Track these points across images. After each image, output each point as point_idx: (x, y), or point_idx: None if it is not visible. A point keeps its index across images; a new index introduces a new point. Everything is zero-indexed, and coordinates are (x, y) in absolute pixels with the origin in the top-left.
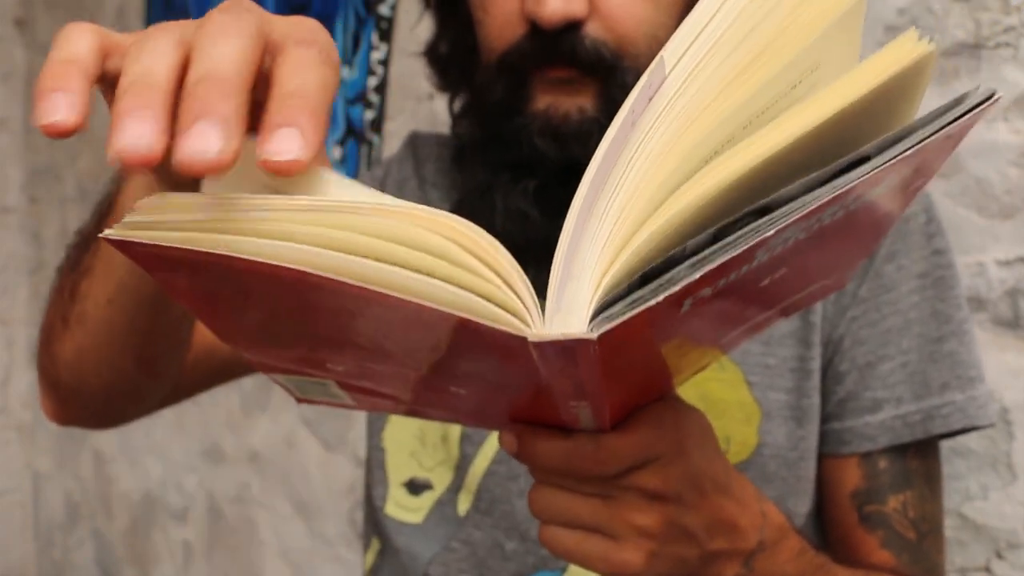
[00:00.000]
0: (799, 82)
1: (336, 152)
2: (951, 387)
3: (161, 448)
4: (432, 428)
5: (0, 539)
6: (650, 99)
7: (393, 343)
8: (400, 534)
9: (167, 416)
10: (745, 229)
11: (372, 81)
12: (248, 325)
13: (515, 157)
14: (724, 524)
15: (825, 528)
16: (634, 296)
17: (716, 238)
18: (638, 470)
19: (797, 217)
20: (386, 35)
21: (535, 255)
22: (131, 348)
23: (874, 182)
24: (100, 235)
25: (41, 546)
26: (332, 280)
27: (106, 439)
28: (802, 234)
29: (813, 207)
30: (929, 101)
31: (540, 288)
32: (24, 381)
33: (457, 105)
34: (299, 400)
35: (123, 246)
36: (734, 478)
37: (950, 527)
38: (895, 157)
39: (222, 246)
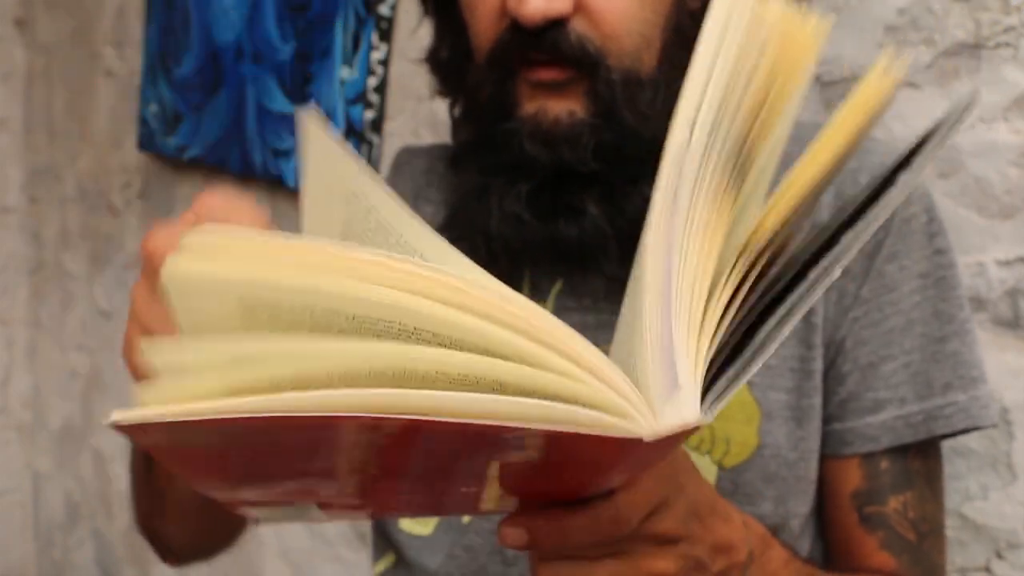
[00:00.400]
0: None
1: None
2: (954, 387)
3: None
4: None
5: (0, 539)
6: (680, 168)
7: (449, 463)
8: (411, 548)
9: None
10: (815, 272)
11: (372, 81)
12: (236, 471)
13: (507, 160)
14: (722, 545)
15: (825, 528)
16: (735, 369)
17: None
18: (649, 518)
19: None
20: (386, 35)
21: (531, 257)
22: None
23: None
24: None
25: (41, 546)
26: (436, 422)
27: (106, 439)
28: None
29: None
30: (929, 101)
31: (538, 288)
32: (24, 381)
33: (456, 111)
34: (256, 522)
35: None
36: (717, 497)
37: (950, 527)
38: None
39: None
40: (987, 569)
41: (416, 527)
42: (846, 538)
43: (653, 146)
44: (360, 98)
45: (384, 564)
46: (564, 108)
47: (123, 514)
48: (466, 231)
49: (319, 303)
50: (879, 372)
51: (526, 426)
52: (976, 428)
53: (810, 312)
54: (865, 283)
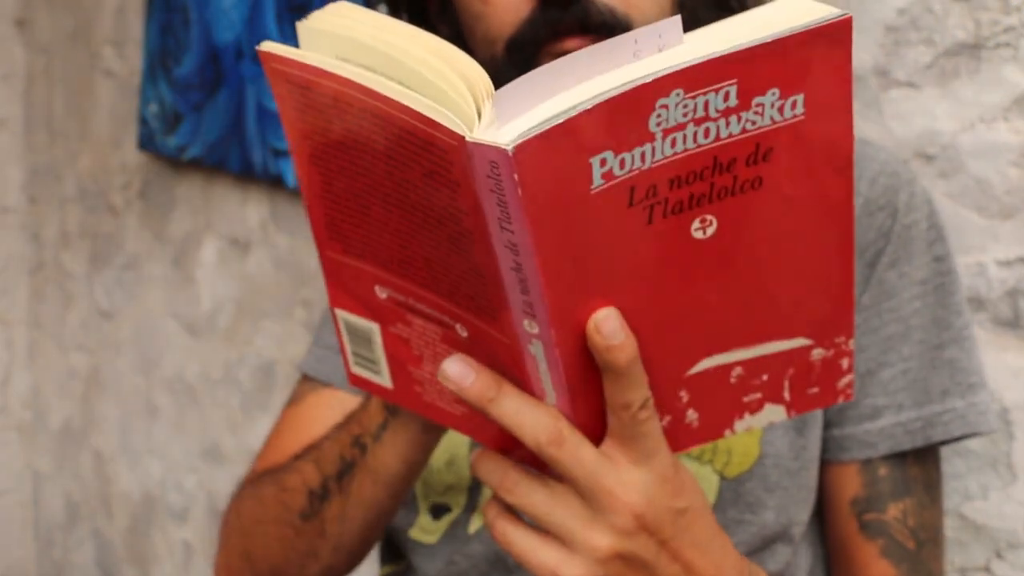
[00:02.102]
0: None
1: None
2: (952, 394)
3: (161, 448)
4: (436, 453)
5: (0, 539)
6: (660, 49)
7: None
8: (416, 554)
9: (167, 416)
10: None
11: None
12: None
13: None
14: None
15: (825, 535)
16: (556, 120)
17: None
18: (627, 484)
19: (681, 70)
20: None
21: None
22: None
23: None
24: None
25: (41, 546)
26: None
27: (106, 439)
28: (703, 142)
29: (698, 62)
30: (929, 101)
31: None
32: (24, 381)
33: None
34: (350, 378)
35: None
36: (719, 543)
37: (950, 527)
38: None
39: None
40: (987, 569)
41: (425, 536)
42: (846, 545)
43: None
44: None
45: (387, 569)
46: None
47: (123, 514)
48: None
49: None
50: (877, 378)
51: (401, 102)
52: (975, 434)
53: None
54: (865, 291)
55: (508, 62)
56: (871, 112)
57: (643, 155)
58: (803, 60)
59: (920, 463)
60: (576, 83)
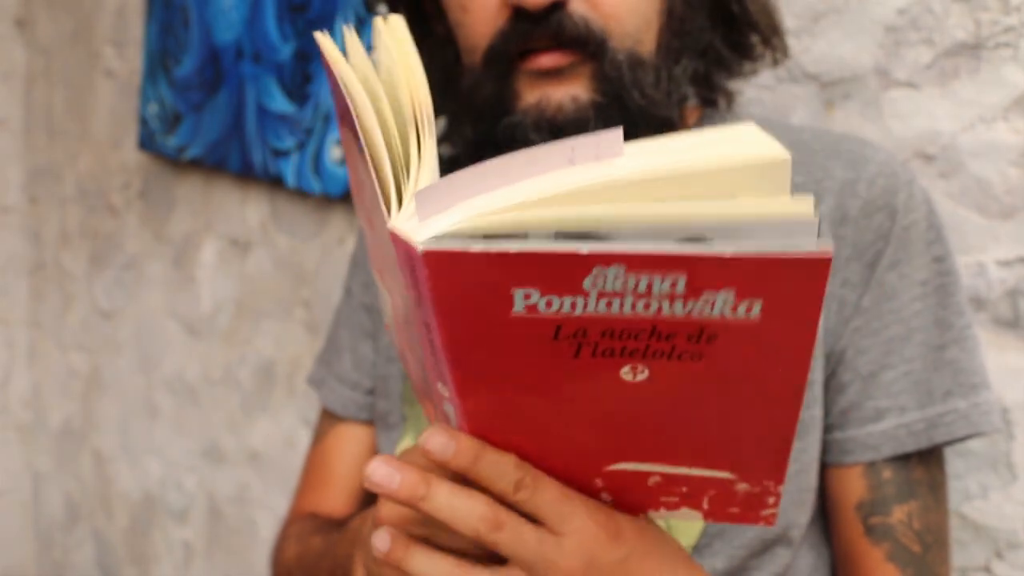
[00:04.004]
0: None
1: (336, 152)
2: (954, 394)
3: (161, 448)
4: None
5: (0, 539)
6: (597, 158)
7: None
8: None
9: (167, 416)
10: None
11: None
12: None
13: None
14: None
15: (831, 539)
16: (475, 243)
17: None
18: (566, 551)
19: (625, 252)
20: None
21: None
22: None
23: (707, 275)
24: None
25: (41, 546)
26: None
27: (106, 439)
28: (641, 312)
29: (645, 252)
30: (929, 102)
31: None
32: (24, 381)
33: (440, 126)
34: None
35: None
36: None
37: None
38: (735, 254)
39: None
40: (987, 569)
41: None
42: (852, 550)
43: (659, 131)
44: None
45: None
46: (567, 94)
47: (123, 514)
48: None
49: None
50: (880, 381)
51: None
52: (979, 435)
53: None
54: (866, 293)
55: (485, 73)
56: (871, 112)
57: (573, 304)
58: (768, 275)
59: (924, 465)
60: (507, 184)
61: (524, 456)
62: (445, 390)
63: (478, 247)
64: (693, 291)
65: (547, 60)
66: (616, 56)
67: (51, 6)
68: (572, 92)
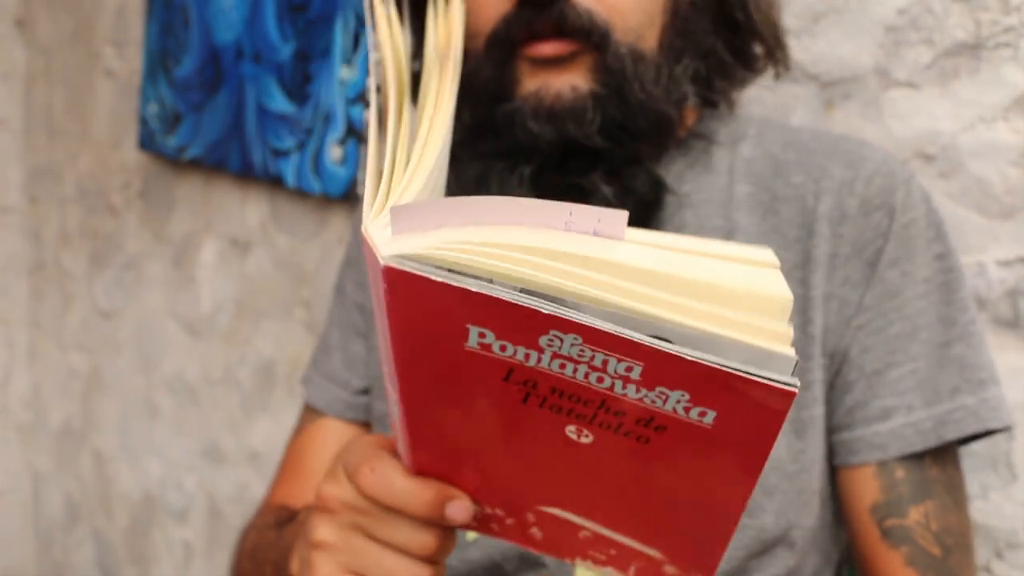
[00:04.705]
0: None
1: (336, 152)
2: (962, 391)
3: (161, 448)
4: None
5: (0, 539)
6: (594, 232)
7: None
8: None
9: (167, 416)
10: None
11: (372, 81)
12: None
13: (508, 144)
14: None
15: (850, 545)
16: (439, 274)
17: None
18: None
19: (584, 325)
20: None
21: None
22: None
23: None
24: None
25: (41, 546)
26: None
27: (106, 439)
28: (594, 384)
29: (604, 330)
30: (929, 102)
31: None
32: (24, 381)
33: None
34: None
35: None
36: None
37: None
38: (700, 360)
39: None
40: (987, 569)
41: None
42: (870, 555)
43: (657, 126)
44: (360, 98)
45: None
46: (566, 83)
47: (123, 514)
48: None
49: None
50: (886, 379)
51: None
52: (989, 432)
53: (806, 323)
54: (868, 291)
55: (486, 57)
56: (871, 112)
57: (527, 355)
58: (727, 390)
59: (939, 464)
60: (491, 223)
61: (461, 472)
62: (393, 392)
63: (440, 278)
64: (648, 381)
65: (549, 48)
66: (619, 49)
67: (51, 6)
68: (572, 81)
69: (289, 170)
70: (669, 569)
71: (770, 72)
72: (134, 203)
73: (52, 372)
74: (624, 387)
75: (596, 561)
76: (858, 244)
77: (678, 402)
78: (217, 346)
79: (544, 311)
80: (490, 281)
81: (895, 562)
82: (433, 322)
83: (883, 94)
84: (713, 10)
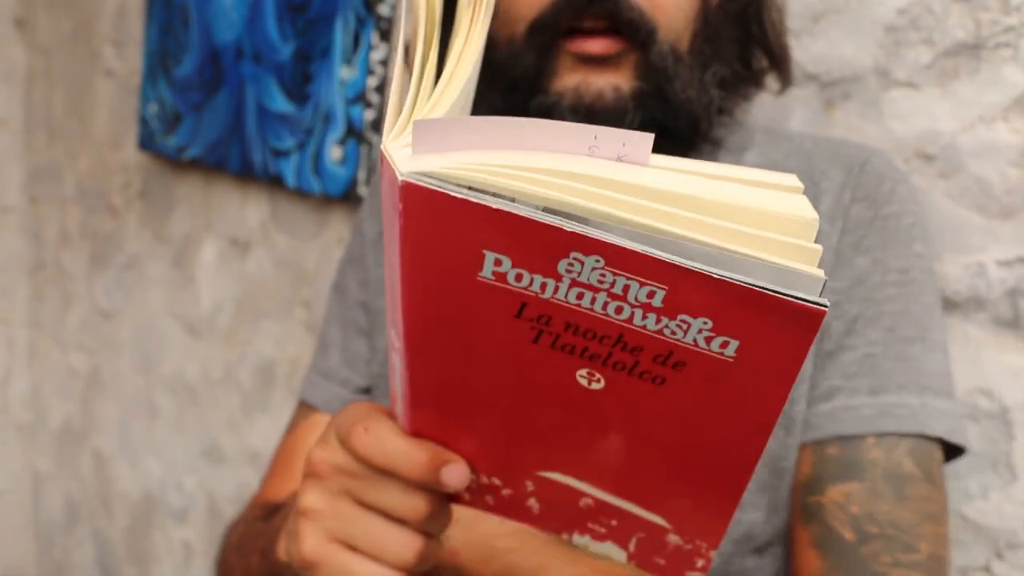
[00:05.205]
0: None
1: (336, 152)
2: (907, 389)
3: (161, 448)
4: None
5: (0, 539)
6: (619, 157)
7: None
8: None
9: (167, 416)
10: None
11: (372, 81)
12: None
13: None
14: None
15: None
16: (461, 190)
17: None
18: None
19: (608, 243)
20: (386, 35)
21: None
22: None
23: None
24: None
25: (41, 546)
26: None
27: (106, 439)
28: (612, 315)
29: (628, 248)
30: (929, 101)
31: None
32: (24, 381)
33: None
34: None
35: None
36: None
37: (950, 527)
38: (715, 274)
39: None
40: (987, 569)
41: None
42: (791, 535)
43: (691, 128)
44: (360, 98)
45: None
46: (608, 83)
47: (123, 514)
48: None
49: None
50: (837, 361)
51: None
52: (927, 438)
53: None
54: (837, 272)
55: (527, 44)
56: (871, 112)
57: (544, 285)
58: (752, 313)
59: (884, 450)
60: (515, 147)
61: (459, 436)
62: (397, 340)
63: (460, 194)
64: (670, 308)
65: (596, 46)
66: (662, 47)
67: (51, 6)
68: (615, 81)
69: (289, 170)
70: (672, 539)
71: (774, 91)
72: (134, 203)
73: (52, 372)
74: (644, 317)
75: (595, 535)
76: (844, 232)
77: (699, 331)
78: (217, 346)
79: (568, 228)
80: (512, 200)
81: (802, 541)
82: (448, 247)
83: (883, 94)
84: (738, 21)
